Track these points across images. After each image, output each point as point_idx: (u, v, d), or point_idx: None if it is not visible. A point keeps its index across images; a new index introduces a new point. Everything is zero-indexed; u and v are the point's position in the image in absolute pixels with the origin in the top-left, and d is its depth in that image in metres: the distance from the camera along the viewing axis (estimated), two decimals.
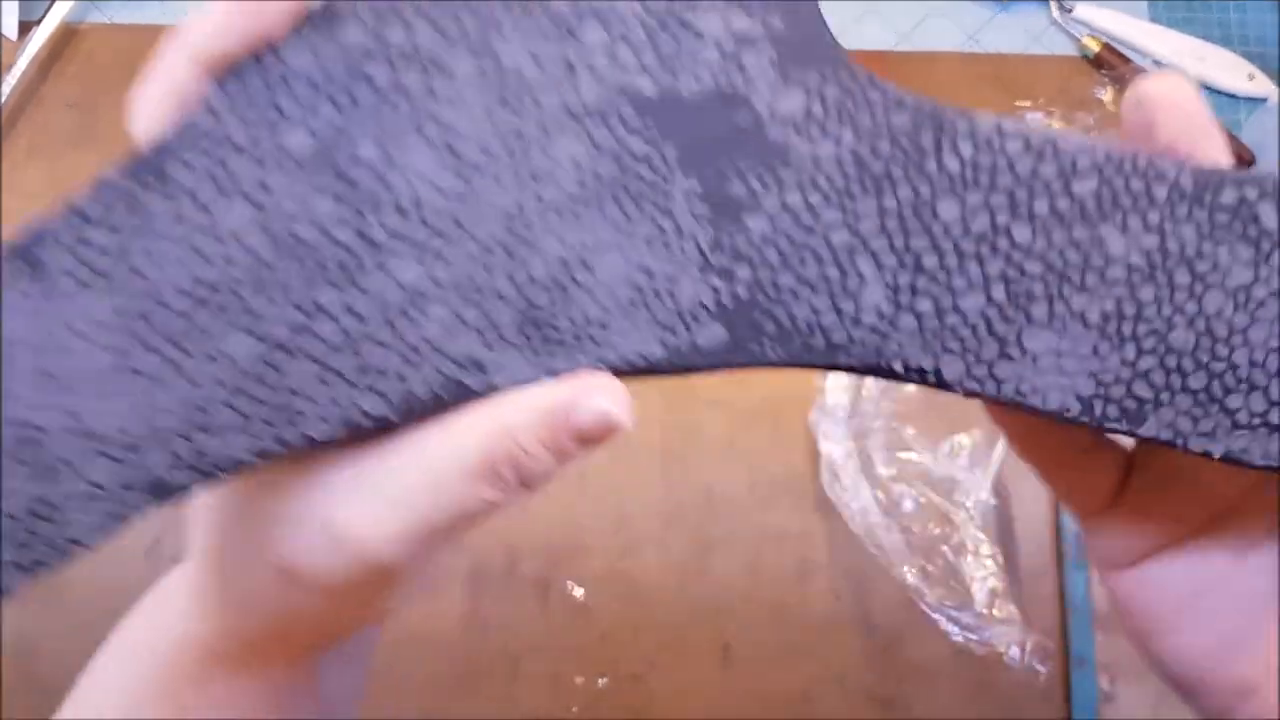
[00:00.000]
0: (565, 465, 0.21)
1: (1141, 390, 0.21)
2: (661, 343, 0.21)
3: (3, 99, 0.53)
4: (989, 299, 0.21)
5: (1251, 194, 0.21)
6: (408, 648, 0.46)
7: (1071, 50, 0.54)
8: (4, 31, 0.55)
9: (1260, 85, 0.53)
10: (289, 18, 0.21)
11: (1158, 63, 0.53)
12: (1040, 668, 0.44)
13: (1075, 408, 0.21)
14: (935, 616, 0.45)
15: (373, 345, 0.20)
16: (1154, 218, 0.21)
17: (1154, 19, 0.55)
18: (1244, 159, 0.50)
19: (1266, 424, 0.21)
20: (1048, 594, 0.46)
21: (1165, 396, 0.21)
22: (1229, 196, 0.21)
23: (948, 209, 0.21)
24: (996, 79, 0.53)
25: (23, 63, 0.53)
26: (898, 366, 0.21)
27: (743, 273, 0.21)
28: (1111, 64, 0.53)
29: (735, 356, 0.21)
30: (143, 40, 0.54)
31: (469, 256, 0.21)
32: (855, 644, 0.46)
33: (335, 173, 0.21)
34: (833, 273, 0.21)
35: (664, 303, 0.21)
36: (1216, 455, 0.21)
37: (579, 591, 0.47)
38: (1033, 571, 0.46)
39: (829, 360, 0.21)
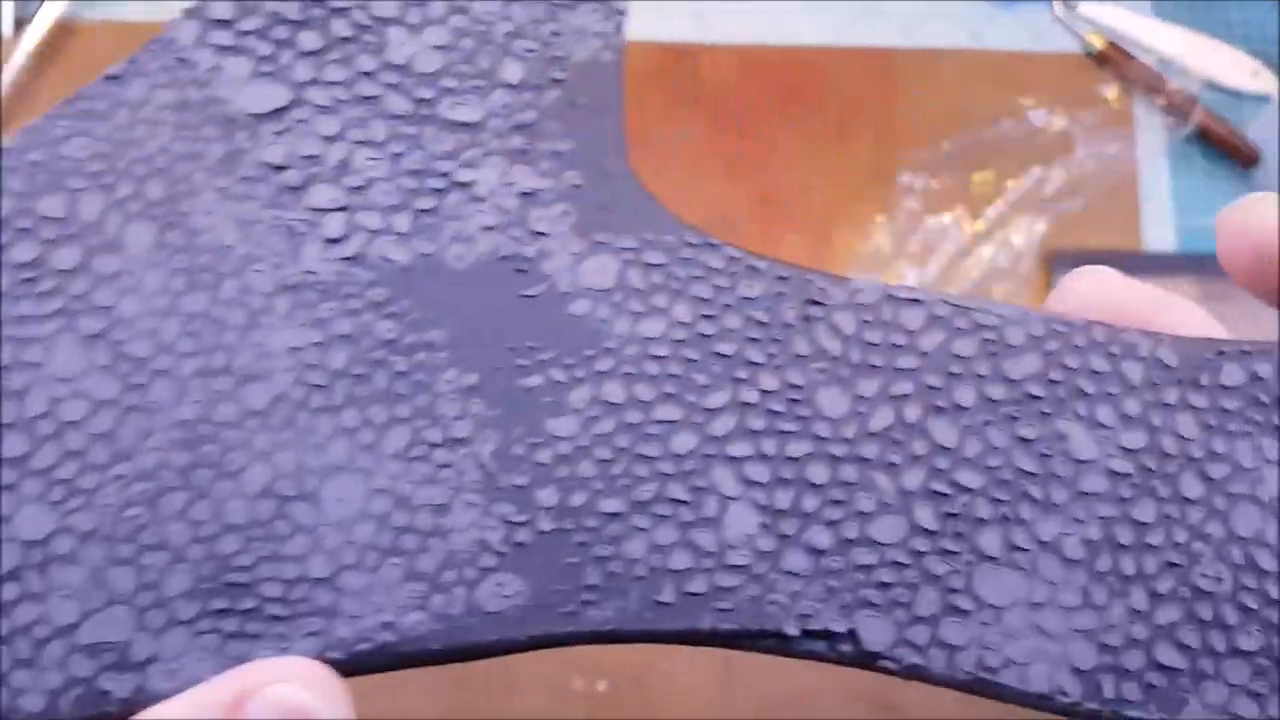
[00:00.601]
0: None
1: (1169, 656, 0.15)
2: (424, 606, 0.15)
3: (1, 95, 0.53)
4: (914, 525, 0.15)
5: (1264, 369, 0.16)
6: None
7: (1075, 47, 0.54)
8: (1, 28, 0.54)
9: (1264, 82, 0.52)
10: None
11: (1162, 59, 0.52)
12: None
13: (1073, 689, 0.15)
14: None
15: None
16: (1133, 407, 0.16)
17: (1158, 16, 0.54)
18: (1249, 157, 0.50)
19: None
20: None
21: (1207, 664, 0.15)
22: (1234, 375, 0.16)
23: (832, 402, 0.16)
24: (999, 77, 0.52)
25: (18, 60, 0.53)
26: (792, 630, 0.15)
27: (546, 496, 0.15)
28: (1115, 61, 0.52)
29: (543, 624, 0.15)
30: (141, 38, 0.54)
31: (127, 493, 0.15)
32: None
33: None
34: (678, 491, 0.16)
35: (429, 545, 0.15)
36: None
37: None
38: None
39: (688, 623, 0.15)
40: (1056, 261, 0.48)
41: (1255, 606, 0.15)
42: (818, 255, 0.48)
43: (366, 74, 0.17)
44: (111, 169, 0.17)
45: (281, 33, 0.18)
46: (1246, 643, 0.15)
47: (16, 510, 0.15)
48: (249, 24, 0.18)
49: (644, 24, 0.51)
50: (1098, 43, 0.53)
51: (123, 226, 0.16)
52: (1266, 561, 0.15)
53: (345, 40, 0.18)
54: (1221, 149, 0.50)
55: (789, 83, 0.52)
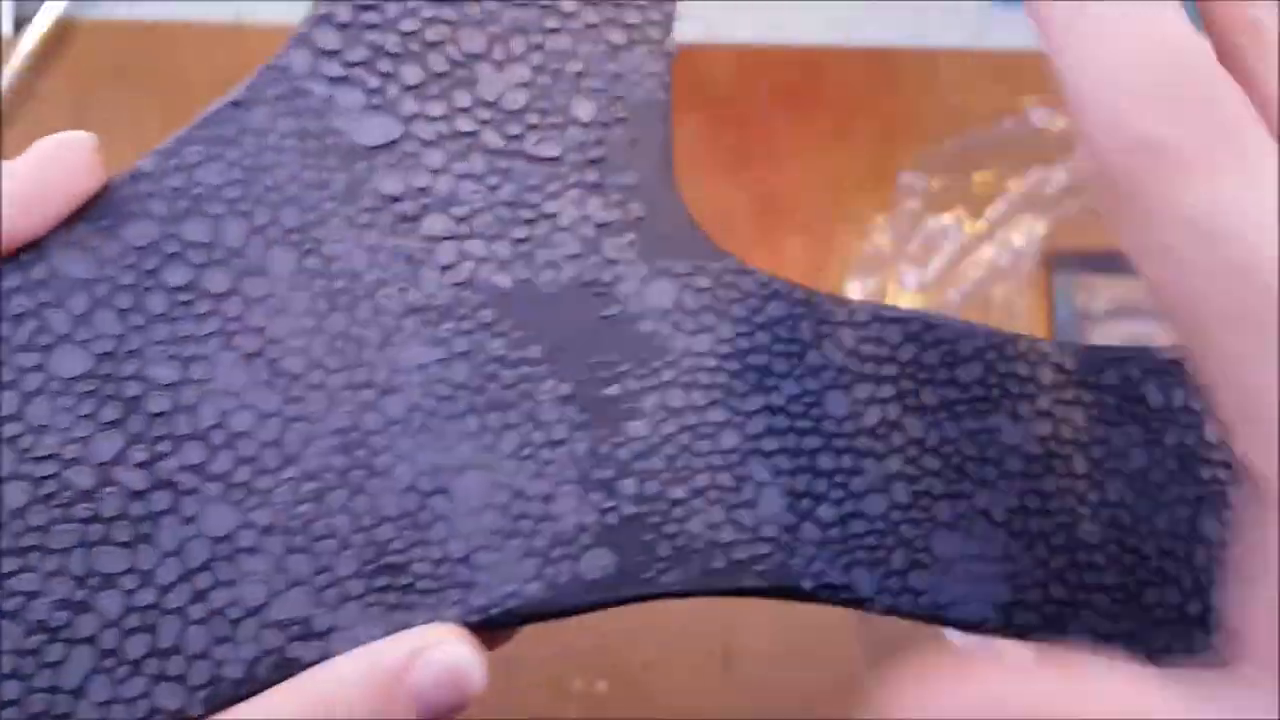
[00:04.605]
0: None
1: (1058, 592, 0.19)
2: (540, 577, 0.18)
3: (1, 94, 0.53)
4: (892, 501, 0.19)
5: (1134, 372, 0.20)
6: None
7: None
8: (2, 28, 0.54)
9: None
10: (59, 211, 0.17)
11: None
12: None
13: (994, 618, 0.19)
14: None
15: (172, 620, 0.17)
16: (1043, 403, 0.20)
17: None
18: None
19: (1184, 617, 0.19)
20: None
21: (1082, 596, 0.19)
22: (1112, 377, 0.20)
23: (836, 404, 0.20)
24: (1000, 75, 0.52)
25: (18, 60, 0.53)
26: (808, 585, 0.19)
27: (627, 486, 0.19)
28: None
29: (626, 588, 0.19)
30: (141, 37, 0.54)
31: (297, 492, 0.18)
32: (858, 647, 0.46)
33: (121, 401, 0.17)
34: (725, 479, 0.19)
35: (540, 528, 0.18)
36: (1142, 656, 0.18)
37: None
38: None
39: (733, 582, 0.19)
40: (1057, 261, 0.48)
41: (1117, 554, 0.20)
42: (818, 255, 0.48)
43: (463, 109, 0.19)
44: (247, 196, 0.18)
45: (385, 65, 0.19)
46: (1110, 579, 0.19)
47: (202, 510, 0.17)
48: (354, 55, 0.19)
49: None
50: None
51: (265, 252, 0.18)
52: (1125, 520, 0.20)
53: (440, 75, 0.19)
54: None
55: (789, 83, 0.52)
